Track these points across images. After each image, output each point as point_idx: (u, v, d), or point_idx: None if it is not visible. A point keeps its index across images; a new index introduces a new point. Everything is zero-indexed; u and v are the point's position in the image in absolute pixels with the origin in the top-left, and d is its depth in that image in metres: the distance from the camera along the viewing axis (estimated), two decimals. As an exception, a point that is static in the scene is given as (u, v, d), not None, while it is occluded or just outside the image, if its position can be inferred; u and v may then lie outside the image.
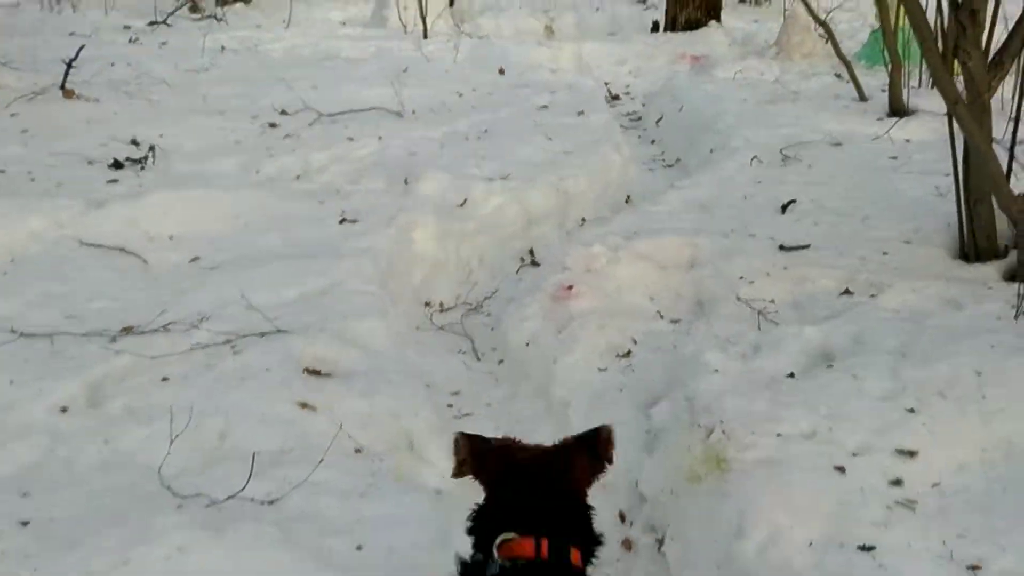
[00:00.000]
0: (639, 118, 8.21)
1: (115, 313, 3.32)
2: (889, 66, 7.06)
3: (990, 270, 3.65)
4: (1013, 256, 3.66)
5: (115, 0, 13.13)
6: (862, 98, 7.43)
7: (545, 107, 7.07)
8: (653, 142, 7.39)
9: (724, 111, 6.92)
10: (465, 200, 4.82)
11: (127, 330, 3.19)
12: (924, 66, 7.94)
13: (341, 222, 4.46)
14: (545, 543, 1.58)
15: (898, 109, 6.83)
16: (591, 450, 1.77)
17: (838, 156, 5.66)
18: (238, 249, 4.09)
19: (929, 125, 5.85)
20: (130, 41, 9.95)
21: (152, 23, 11.31)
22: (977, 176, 3.68)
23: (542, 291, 3.83)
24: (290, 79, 7.23)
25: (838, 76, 8.39)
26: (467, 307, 4.28)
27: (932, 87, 7.68)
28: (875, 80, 7.91)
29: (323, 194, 4.89)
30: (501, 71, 8.33)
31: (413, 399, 2.90)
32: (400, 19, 11.14)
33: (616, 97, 8.92)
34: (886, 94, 7.10)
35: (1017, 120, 3.76)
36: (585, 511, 1.72)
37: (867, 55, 9.81)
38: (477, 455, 1.75)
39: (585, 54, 9.94)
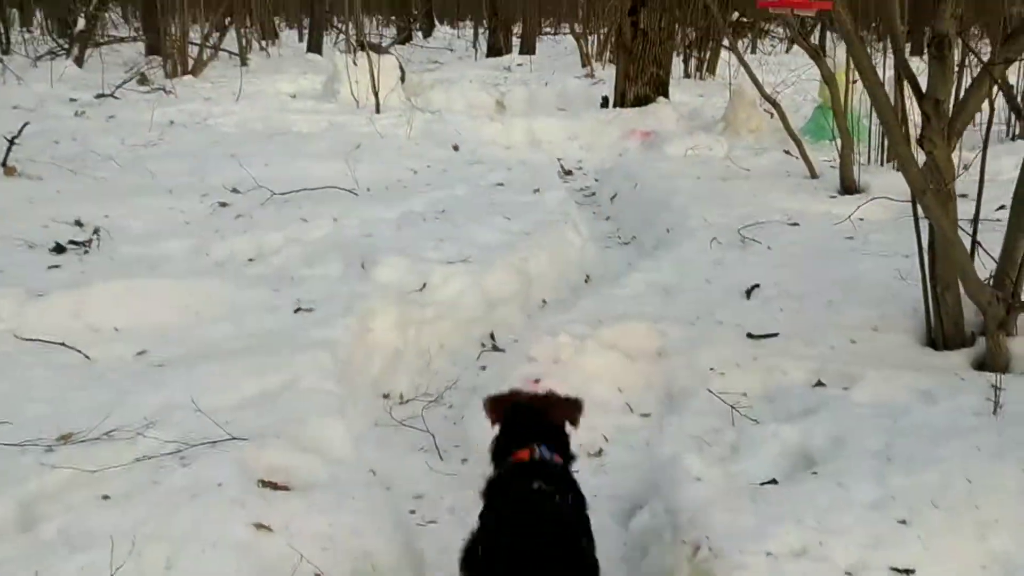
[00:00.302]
0: (593, 194, 8.23)
1: (53, 419, 3.09)
2: (837, 142, 7.20)
3: (959, 359, 3.62)
4: (982, 344, 3.65)
5: (62, 71, 12.94)
6: (813, 175, 7.55)
7: (500, 184, 7.02)
8: (608, 219, 7.38)
9: (677, 189, 6.95)
10: (424, 285, 4.68)
11: (65, 438, 2.96)
12: (873, 144, 8.16)
13: (296, 311, 4.28)
14: (536, 449, 2.28)
15: (849, 187, 6.94)
16: (570, 404, 2.54)
17: (795, 236, 5.68)
18: (188, 341, 3.89)
19: (882, 204, 5.93)
20: (76, 115, 9.76)
21: (99, 95, 11.12)
22: (943, 263, 3.67)
23: (507, 384, 3.69)
24: (241, 155, 7.10)
25: (787, 152, 8.54)
26: (428, 398, 4.11)
27: (882, 164, 7.94)
28: (822, 155, 8.07)
29: (277, 280, 4.72)
30: (455, 148, 8.33)
31: (375, 514, 2.71)
32: (352, 93, 11.14)
33: (569, 172, 8.95)
34: (836, 171, 7.23)
35: (979, 207, 3.79)
36: (564, 436, 2.46)
37: (812, 131, 10.04)
38: (494, 406, 2.52)
39: (537, 129, 10.00)
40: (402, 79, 13.40)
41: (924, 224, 3.75)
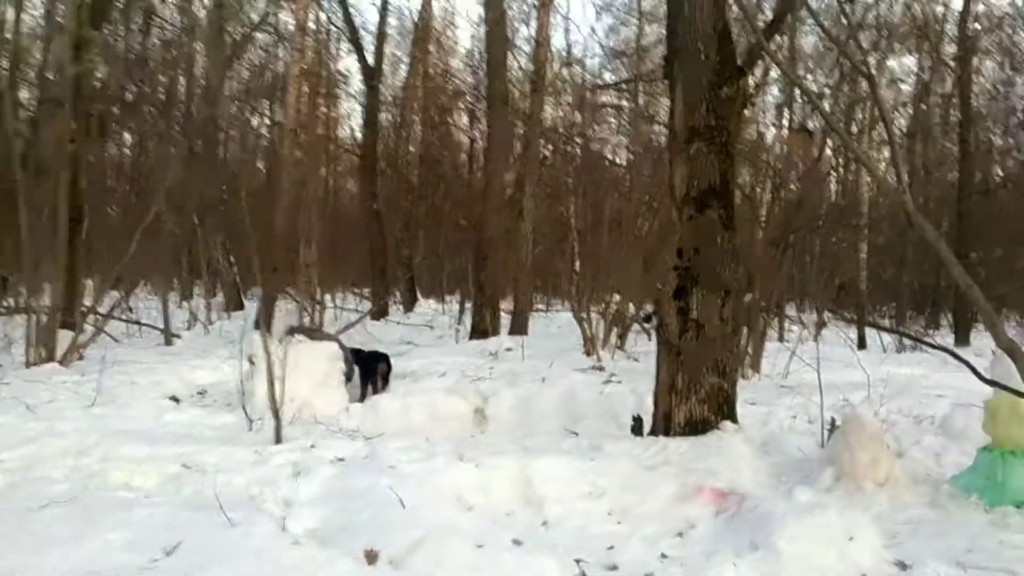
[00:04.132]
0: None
1: None
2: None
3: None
4: None
5: None
6: None
7: None
8: None
9: None
10: None
11: None
12: None
13: None
14: None
15: None
16: None
17: None
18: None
19: None
20: None
21: None
22: None
23: None
24: None
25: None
26: None
27: None
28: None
29: None
30: (370, 558, 4.22)
31: None
32: (272, 397, 7.20)
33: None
34: None
35: None
36: None
37: (979, 486, 6.25)
38: None
39: (536, 479, 5.99)
40: (348, 376, 9.68)
41: None
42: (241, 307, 23.69)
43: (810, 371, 9.90)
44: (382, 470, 5.59)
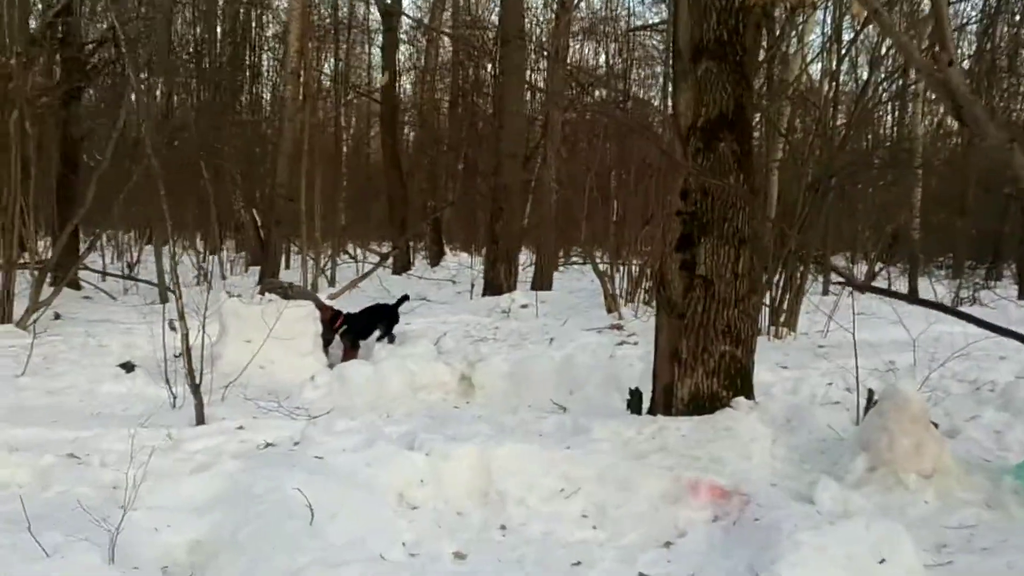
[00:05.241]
0: None
1: None
2: None
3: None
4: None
5: None
6: None
7: None
8: None
9: None
10: None
11: None
12: None
13: None
14: None
15: None
16: None
17: None
18: None
19: None
20: None
21: None
22: None
23: None
24: None
25: None
26: None
27: None
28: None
29: None
30: None
31: None
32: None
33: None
34: None
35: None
36: None
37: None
38: None
39: (497, 469, 4.90)
40: (326, 339, 8.72)
41: None
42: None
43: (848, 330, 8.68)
44: (300, 464, 4.56)
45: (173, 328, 5.74)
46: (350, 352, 9.05)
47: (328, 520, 3.99)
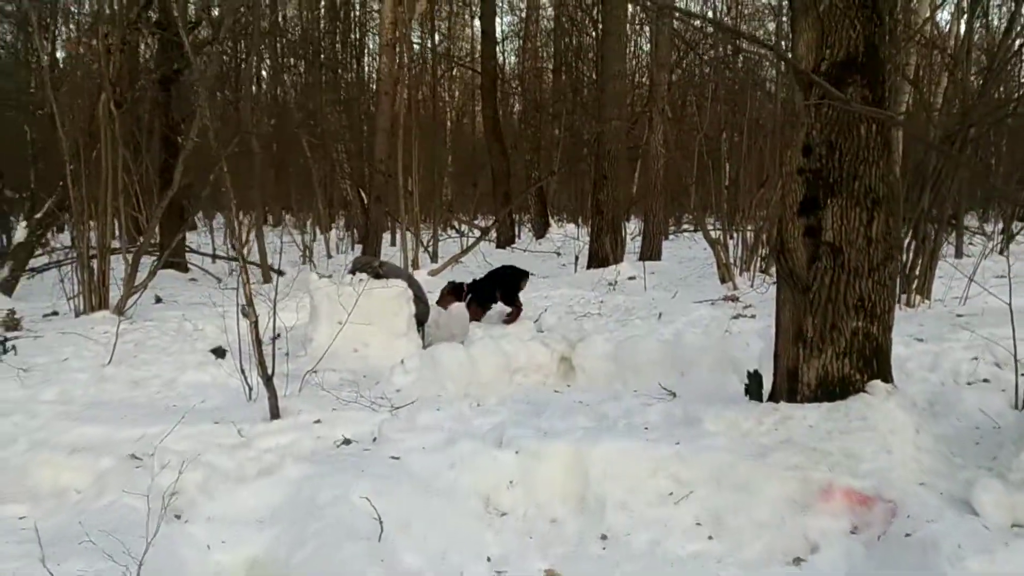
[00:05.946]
0: None
1: None
2: None
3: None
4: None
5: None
6: None
7: None
8: None
9: None
10: None
11: None
12: None
13: None
14: None
15: None
16: None
17: None
18: None
19: None
20: None
21: None
22: None
23: None
24: None
25: None
26: None
27: None
28: None
29: None
30: None
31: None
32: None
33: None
34: None
35: None
36: None
37: None
38: None
39: (596, 473, 4.32)
40: (420, 319, 8.34)
41: None
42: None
43: (998, 296, 7.67)
44: (373, 467, 4.10)
45: (245, 315, 5.39)
46: (477, 311, 9.36)
47: (400, 532, 3.52)
